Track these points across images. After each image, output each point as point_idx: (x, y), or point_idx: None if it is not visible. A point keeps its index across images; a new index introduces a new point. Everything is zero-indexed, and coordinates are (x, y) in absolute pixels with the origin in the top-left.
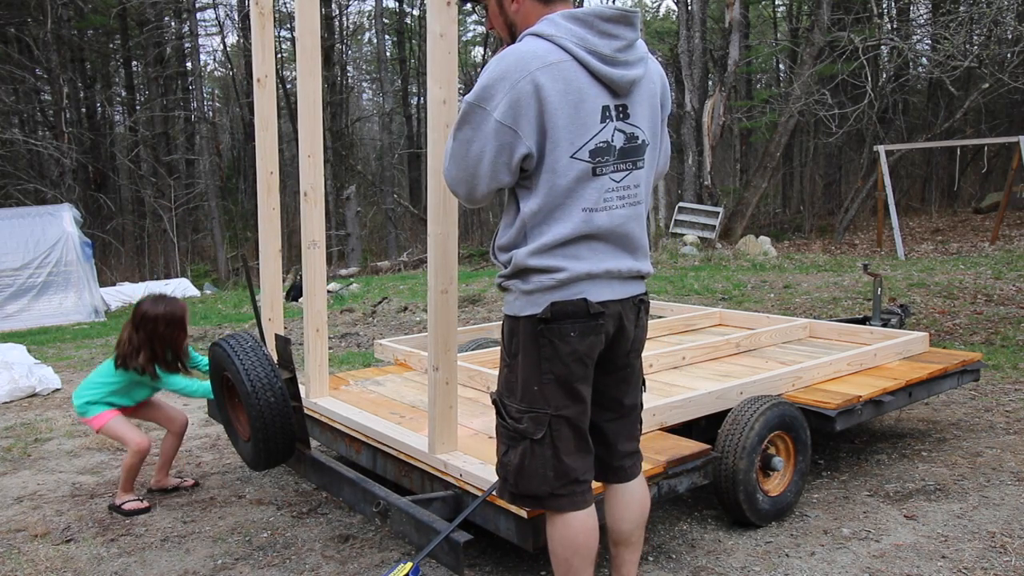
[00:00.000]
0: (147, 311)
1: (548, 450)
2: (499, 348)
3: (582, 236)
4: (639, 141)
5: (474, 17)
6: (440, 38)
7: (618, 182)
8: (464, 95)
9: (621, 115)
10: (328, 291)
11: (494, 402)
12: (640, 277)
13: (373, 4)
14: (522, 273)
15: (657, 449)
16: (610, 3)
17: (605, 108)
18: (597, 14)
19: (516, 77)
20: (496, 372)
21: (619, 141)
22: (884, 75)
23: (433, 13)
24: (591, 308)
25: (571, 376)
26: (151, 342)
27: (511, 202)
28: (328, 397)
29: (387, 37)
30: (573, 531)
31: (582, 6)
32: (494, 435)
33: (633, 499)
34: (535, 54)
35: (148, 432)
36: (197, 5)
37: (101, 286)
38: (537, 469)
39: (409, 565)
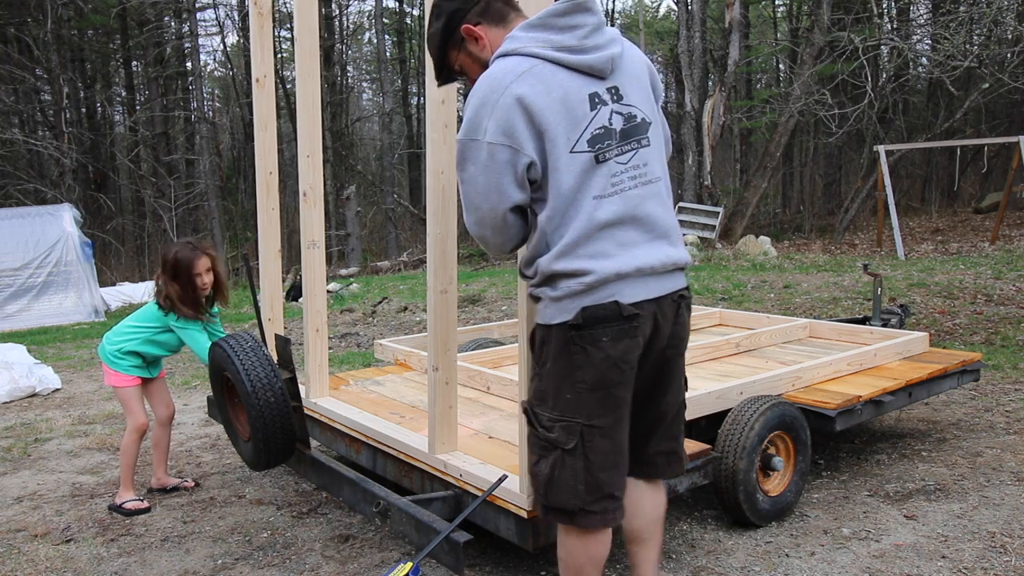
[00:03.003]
0: (164, 253)
1: (579, 461)
2: (498, 348)
3: (599, 227)
4: (639, 120)
5: None
6: None
7: (625, 164)
8: (464, 94)
9: (615, 97)
10: (328, 291)
11: (524, 411)
12: (678, 269)
13: (373, 4)
14: (550, 280)
15: None
16: None
17: (593, 95)
18: (551, 13)
19: (495, 97)
20: (496, 372)
21: (618, 123)
22: (884, 75)
23: None
24: (624, 311)
25: (605, 382)
26: (168, 284)
27: (529, 219)
28: (328, 397)
29: (387, 37)
30: (591, 541)
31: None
32: (494, 435)
33: (644, 494)
34: (505, 70)
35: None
36: (197, 5)
37: (101, 286)
38: (567, 481)
39: (409, 565)
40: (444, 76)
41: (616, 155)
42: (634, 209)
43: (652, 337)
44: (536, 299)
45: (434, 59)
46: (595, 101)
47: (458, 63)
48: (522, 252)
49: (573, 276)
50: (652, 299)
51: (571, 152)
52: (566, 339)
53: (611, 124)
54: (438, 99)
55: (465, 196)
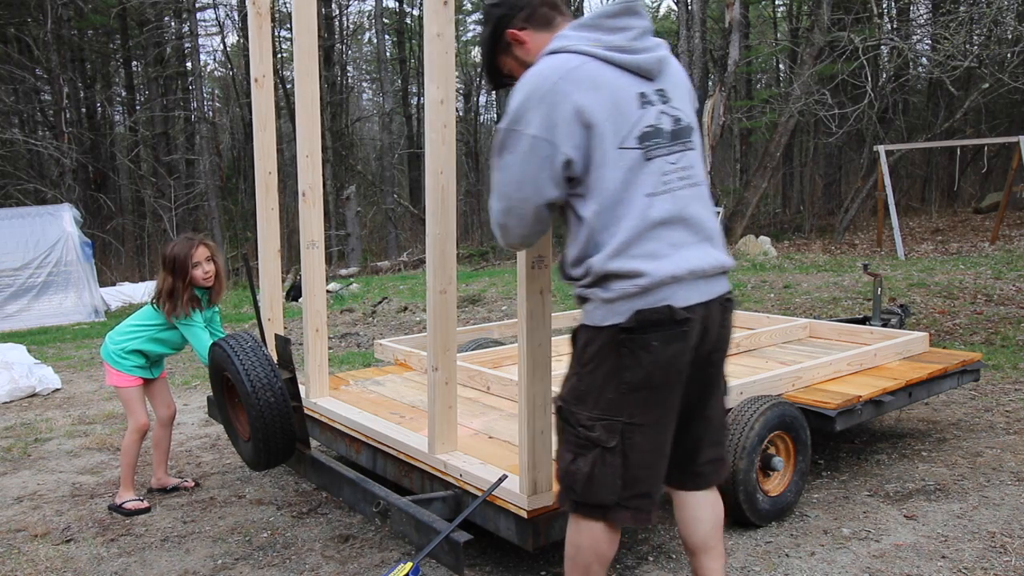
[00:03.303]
0: (164, 251)
1: (618, 458)
2: (498, 348)
3: (652, 225)
4: (684, 124)
5: (474, 17)
6: (437, 38)
7: (674, 164)
8: (464, 94)
9: (662, 99)
10: (328, 291)
11: (559, 409)
12: (724, 272)
13: (373, 4)
14: (603, 280)
15: None
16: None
17: (641, 95)
18: (601, 14)
19: (542, 91)
20: (496, 372)
21: (667, 124)
22: (884, 75)
23: (429, 13)
24: (676, 315)
25: (651, 383)
26: (164, 280)
27: (569, 217)
28: (328, 397)
29: (387, 37)
30: (604, 540)
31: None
32: (494, 435)
33: (704, 501)
34: (553, 67)
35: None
36: (197, 5)
37: (101, 286)
38: (607, 477)
39: (409, 565)
40: (494, 80)
41: (665, 154)
42: (682, 210)
43: (700, 341)
44: (583, 300)
45: (483, 63)
46: (644, 100)
47: (506, 67)
48: (566, 253)
49: (627, 278)
50: (703, 303)
51: (620, 148)
52: (615, 341)
53: (660, 124)
54: (437, 99)
55: (497, 183)
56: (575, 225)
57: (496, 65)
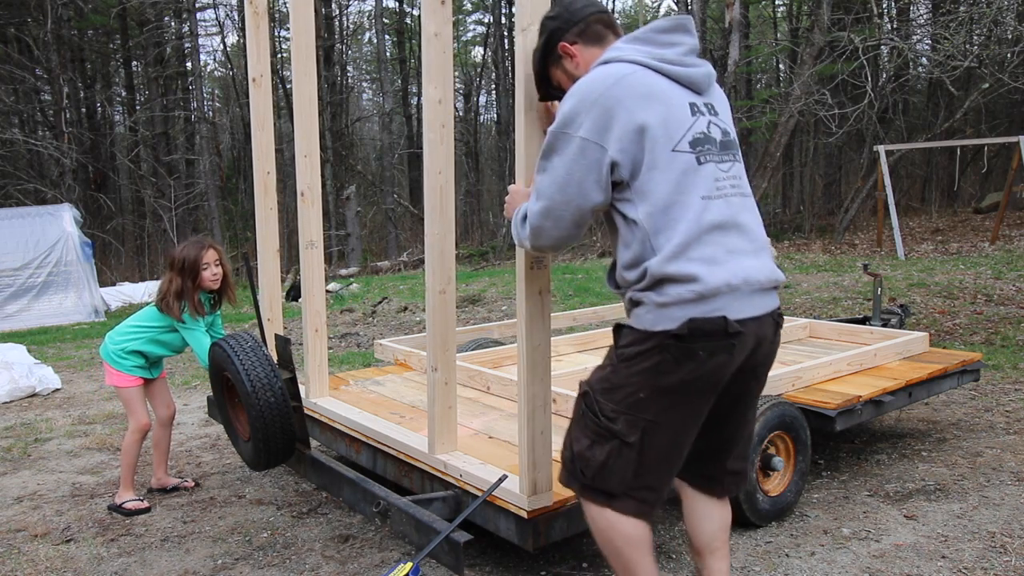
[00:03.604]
0: (174, 253)
1: (635, 453)
2: (498, 348)
3: (708, 228)
4: (731, 137)
5: (474, 16)
6: (435, 37)
7: (726, 172)
8: (464, 94)
9: (711, 111)
10: (328, 291)
11: (584, 393)
12: (776, 287)
13: (373, 4)
14: (658, 284)
15: None
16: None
17: (692, 104)
18: (653, 28)
19: (594, 97)
20: (496, 372)
21: (717, 134)
22: (884, 75)
23: (427, 13)
24: (730, 327)
25: (685, 390)
26: (172, 281)
27: (616, 222)
28: (328, 397)
29: (387, 37)
30: (616, 522)
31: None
32: (494, 435)
33: (712, 502)
34: (606, 74)
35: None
36: (197, 5)
37: (101, 286)
38: (620, 468)
39: (409, 565)
40: (543, 90)
41: (716, 161)
42: (735, 216)
43: (751, 354)
44: (635, 303)
45: (535, 73)
46: (694, 109)
47: (555, 79)
48: (618, 260)
49: (682, 282)
50: (755, 317)
51: (673, 151)
52: (661, 346)
53: (710, 133)
54: (435, 99)
55: (539, 184)
56: (625, 229)
57: (546, 76)
